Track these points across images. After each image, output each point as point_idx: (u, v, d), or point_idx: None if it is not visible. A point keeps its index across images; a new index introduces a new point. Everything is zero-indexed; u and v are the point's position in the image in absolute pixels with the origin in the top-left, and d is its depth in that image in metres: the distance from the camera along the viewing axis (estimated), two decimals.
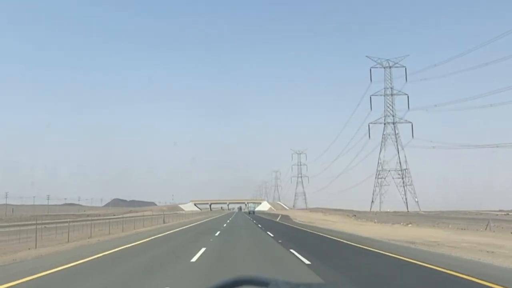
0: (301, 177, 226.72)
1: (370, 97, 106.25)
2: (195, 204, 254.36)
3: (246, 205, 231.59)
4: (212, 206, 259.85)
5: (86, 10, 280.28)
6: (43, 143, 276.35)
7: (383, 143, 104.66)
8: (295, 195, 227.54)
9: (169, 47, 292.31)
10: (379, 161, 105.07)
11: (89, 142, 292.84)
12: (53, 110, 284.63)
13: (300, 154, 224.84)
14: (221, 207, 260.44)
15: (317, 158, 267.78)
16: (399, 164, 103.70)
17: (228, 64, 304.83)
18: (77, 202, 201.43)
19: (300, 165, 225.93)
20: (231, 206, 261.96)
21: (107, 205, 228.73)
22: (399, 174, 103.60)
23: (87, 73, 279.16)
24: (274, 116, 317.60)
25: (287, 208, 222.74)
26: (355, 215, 63.52)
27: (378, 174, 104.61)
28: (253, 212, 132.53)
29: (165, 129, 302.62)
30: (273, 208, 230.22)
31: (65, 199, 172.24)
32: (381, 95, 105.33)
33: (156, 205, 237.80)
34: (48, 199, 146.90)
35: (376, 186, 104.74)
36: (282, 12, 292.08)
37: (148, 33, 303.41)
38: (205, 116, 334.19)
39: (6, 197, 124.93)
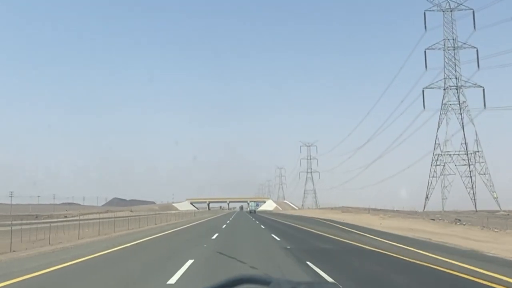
0: (311, 172, 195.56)
1: (425, 52, 75.70)
2: (191, 203, 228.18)
3: (248, 204, 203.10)
4: (211, 205, 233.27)
5: (86, 9, 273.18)
6: (43, 143, 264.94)
7: (442, 116, 74.15)
8: (304, 193, 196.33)
9: (170, 46, 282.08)
10: (437, 142, 74.63)
11: (89, 142, 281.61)
12: (52, 110, 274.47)
13: (309, 146, 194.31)
14: (220, 206, 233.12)
15: (333, 148, 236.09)
16: (464, 145, 73.31)
17: (229, 61, 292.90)
18: (75, 202, 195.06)
19: (310, 158, 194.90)
20: (232, 205, 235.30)
21: (106, 204, 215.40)
22: (464, 159, 73.20)
23: (87, 73, 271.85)
24: (278, 111, 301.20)
25: (296, 207, 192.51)
26: (459, 220, 33.65)
27: (436, 160, 74.17)
28: (254, 211, 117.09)
29: (166, 128, 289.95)
30: (279, 208, 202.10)
31: (37, 197, 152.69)
32: (439, 48, 75.00)
33: (155, 204, 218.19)
34: (13, 196, 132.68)
35: (433, 176, 74.25)
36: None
37: (149, 32, 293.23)
38: (205, 115, 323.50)
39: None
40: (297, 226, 34.29)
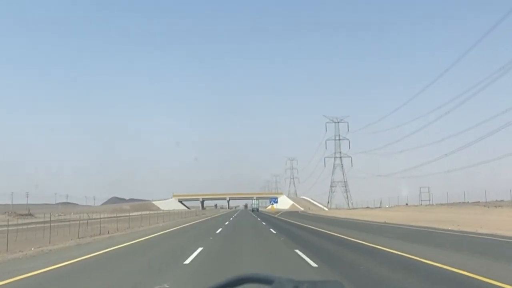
0: (340, 157, 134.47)
1: None
2: (180, 201, 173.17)
3: (252, 202, 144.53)
4: (206, 202, 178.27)
5: (87, 10, 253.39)
6: (42, 142, 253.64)
7: None
8: (331, 186, 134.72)
9: (171, 47, 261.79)
10: None
11: (90, 142, 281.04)
12: (53, 110, 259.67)
13: (338, 123, 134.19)
14: (215, 205, 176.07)
15: (382, 118, 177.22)
16: None
17: (229, 62, 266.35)
18: (73, 201, 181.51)
19: (339, 139, 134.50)
20: (233, 203, 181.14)
21: (105, 204, 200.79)
22: None
23: (88, 73, 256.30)
24: (282, 106, 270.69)
25: (325, 208, 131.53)
26: None
27: None
28: (257, 209, 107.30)
29: (167, 127, 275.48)
30: (298, 206, 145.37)
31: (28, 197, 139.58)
32: None
33: (134, 202, 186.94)
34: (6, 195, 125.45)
35: None
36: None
37: (150, 33, 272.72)
38: (207, 113, 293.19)
39: None
40: None
